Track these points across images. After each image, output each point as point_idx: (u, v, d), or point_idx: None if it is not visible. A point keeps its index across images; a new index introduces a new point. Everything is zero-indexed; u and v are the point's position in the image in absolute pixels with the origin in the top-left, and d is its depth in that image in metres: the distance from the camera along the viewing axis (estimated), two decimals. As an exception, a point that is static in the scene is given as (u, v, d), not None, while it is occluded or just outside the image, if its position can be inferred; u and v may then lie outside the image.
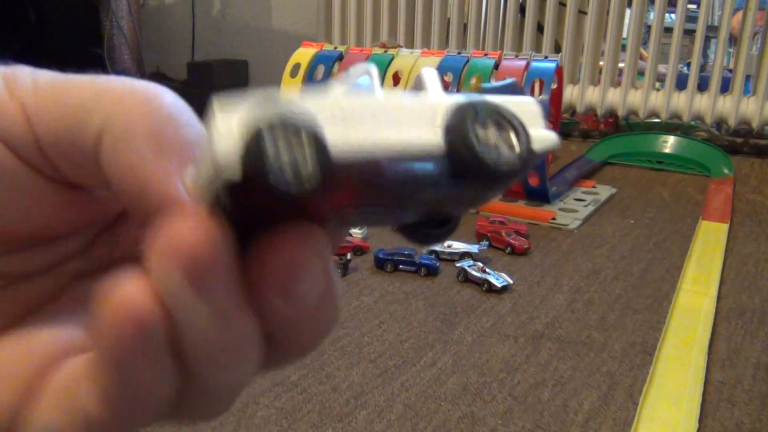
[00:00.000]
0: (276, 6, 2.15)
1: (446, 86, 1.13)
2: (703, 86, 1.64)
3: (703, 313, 0.72)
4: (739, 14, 1.57)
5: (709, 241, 0.97)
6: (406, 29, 1.84)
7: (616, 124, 1.80)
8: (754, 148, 1.67)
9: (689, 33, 1.76)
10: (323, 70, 1.26)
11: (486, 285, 0.78)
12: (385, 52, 1.23)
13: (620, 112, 1.66)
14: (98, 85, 0.17)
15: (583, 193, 1.22)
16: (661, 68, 1.70)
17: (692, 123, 1.67)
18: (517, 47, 1.74)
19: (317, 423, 0.52)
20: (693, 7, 1.93)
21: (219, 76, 2.07)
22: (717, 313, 0.73)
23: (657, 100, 1.62)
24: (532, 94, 1.06)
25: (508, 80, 0.17)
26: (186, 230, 0.14)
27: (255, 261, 0.15)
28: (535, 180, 1.11)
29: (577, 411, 0.54)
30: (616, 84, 1.68)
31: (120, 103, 0.16)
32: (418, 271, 0.82)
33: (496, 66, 1.13)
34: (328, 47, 1.30)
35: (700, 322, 0.70)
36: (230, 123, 0.13)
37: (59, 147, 0.17)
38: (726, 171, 1.38)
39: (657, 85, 1.67)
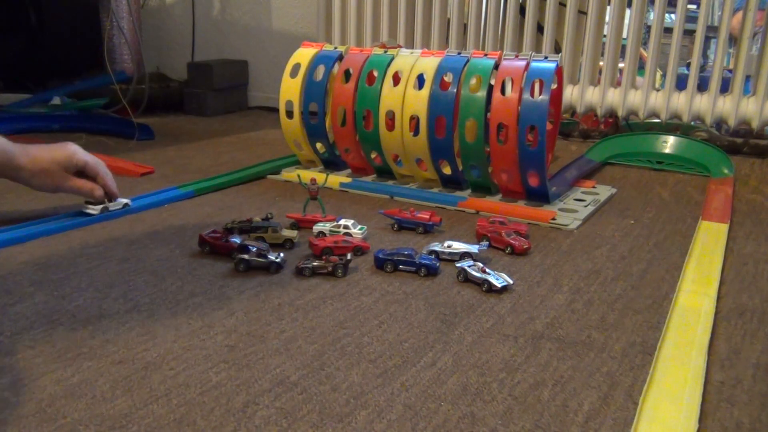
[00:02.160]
0: (276, 6, 2.15)
1: (445, 86, 1.13)
2: (703, 86, 1.64)
3: (703, 313, 0.72)
4: (739, 14, 1.57)
5: (709, 241, 0.97)
6: (406, 29, 1.84)
7: (616, 125, 1.80)
8: (754, 149, 1.67)
9: (689, 33, 1.76)
10: (323, 70, 1.26)
11: (486, 285, 0.78)
12: (385, 52, 1.23)
13: (620, 113, 1.66)
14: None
15: (583, 193, 1.22)
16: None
17: (692, 123, 1.67)
18: (517, 47, 1.74)
19: (317, 423, 0.52)
20: (693, 7, 1.93)
21: (219, 76, 2.07)
22: (717, 313, 0.73)
23: (657, 100, 1.62)
24: (531, 94, 1.06)
25: None
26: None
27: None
28: (535, 180, 1.10)
29: (577, 411, 0.54)
30: (616, 84, 1.68)
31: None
32: (418, 271, 0.82)
33: (496, 66, 1.13)
34: (328, 47, 1.30)
35: (700, 322, 0.70)
36: None
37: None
38: (726, 171, 1.38)
39: (657, 84, 1.67)
